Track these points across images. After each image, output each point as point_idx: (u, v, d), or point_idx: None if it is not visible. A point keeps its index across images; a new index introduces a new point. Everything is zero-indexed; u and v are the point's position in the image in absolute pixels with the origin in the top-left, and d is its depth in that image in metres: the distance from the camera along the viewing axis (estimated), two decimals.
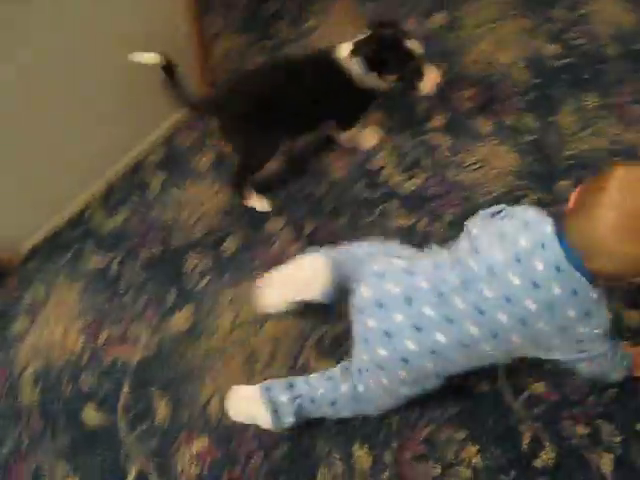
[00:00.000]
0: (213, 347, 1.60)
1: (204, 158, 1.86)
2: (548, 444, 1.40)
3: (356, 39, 1.63)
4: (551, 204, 1.68)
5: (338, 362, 1.41)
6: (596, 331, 1.21)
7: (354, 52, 1.61)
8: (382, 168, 1.80)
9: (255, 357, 1.57)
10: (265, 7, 2.16)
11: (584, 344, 1.23)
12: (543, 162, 1.82)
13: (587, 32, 2.05)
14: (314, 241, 1.70)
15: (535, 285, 1.15)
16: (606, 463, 1.38)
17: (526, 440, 1.43)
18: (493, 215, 1.28)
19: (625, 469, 1.37)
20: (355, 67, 1.64)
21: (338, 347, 1.54)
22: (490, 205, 1.37)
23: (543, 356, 1.27)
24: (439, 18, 2.08)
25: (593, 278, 1.13)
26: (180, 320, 1.62)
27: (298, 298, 1.37)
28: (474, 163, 1.82)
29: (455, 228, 1.65)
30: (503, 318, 1.18)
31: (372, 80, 1.66)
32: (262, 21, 2.07)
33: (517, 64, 1.98)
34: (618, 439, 1.39)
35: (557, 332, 1.19)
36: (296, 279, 1.37)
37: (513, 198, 1.75)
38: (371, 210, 1.73)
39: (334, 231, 1.73)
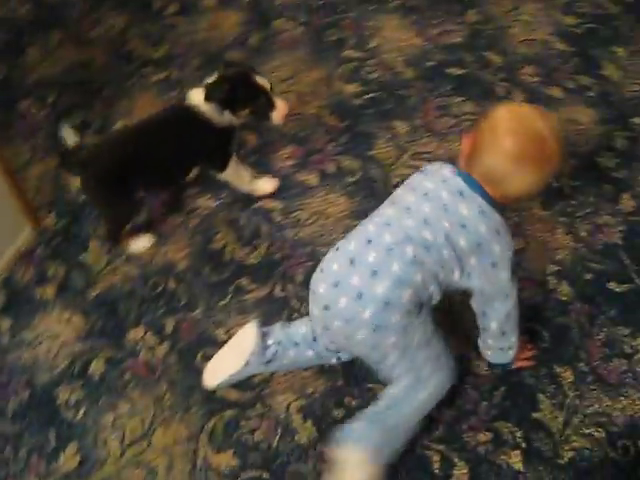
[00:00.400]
0: (108, 475, 1.71)
1: (47, 289, 1.95)
2: (457, 460, 1.63)
3: (206, 83, 1.88)
4: None
5: (238, 447, 1.66)
6: (508, 252, 1.52)
7: (208, 97, 1.85)
8: (224, 247, 1.91)
9: (153, 472, 1.69)
10: (71, 118, 2.32)
11: (498, 268, 1.52)
12: (372, 197, 2.11)
13: (380, 63, 2.33)
14: (178, 338, 1.84)
15: (446, 210, 1.48)
16: (516, 460, 1.64)
17: (436, 463, 1.65)
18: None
19: (534, 458, 1.64)
20: (209, 110, 1.87)
21: (232, 433, 1.71)
22: None
23: (463, 284, 1.54)
24: None
25: (495, 203, 1.49)
26: (68, 459, 1.74)
27: (236, 367, 1.65)
28: (309, 217, 2.01)
29: (309, 285, 1.81)
30: (428, 235, 1.46)
31: (227, 118, 1.90)
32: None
33: (323, 112, 2.18)
34: (519, 434, 1.67)
35: (475, 248, 1.48)
36: (229, 348, 1.67)
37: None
38: (224, 291, 1.89)
39: (195, 322, 1.91)
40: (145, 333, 1.86)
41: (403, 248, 1.44)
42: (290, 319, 1.86)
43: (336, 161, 2.17)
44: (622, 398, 1.72)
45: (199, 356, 1.82)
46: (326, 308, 1.48)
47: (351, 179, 2.13)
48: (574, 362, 1.79)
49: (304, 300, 1.86)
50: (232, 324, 1.87)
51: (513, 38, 2.55)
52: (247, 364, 1.65)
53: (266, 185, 2.12)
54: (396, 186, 1.92)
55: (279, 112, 1.92)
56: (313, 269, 1.77)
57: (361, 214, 2.01)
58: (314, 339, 1.66)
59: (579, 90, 2.37)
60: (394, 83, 2.33)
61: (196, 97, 1.88)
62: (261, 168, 2.15)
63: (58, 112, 2.23)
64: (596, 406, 1.71)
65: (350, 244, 1.51)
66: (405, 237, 1.46)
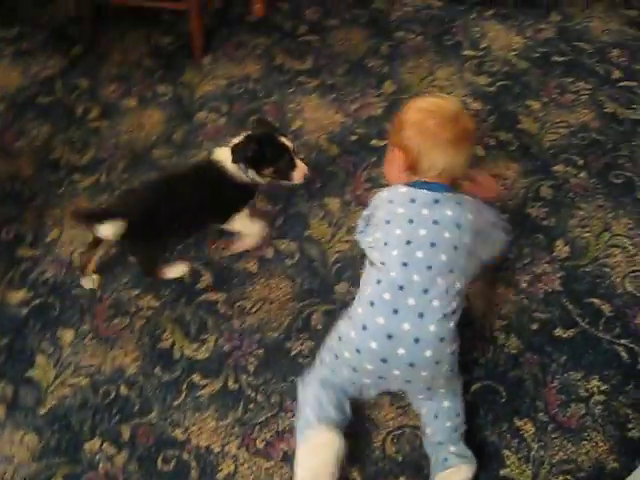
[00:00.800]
0: None
1: None
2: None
3: (233, 143, 2.00)
4: (337, 310, 2.01)
5: None
6: (491, 209, 1.80)
7: (235, 158, 1.98)
8: (173, 345, 1.91)
9: None
10: (3, 234, 2.33)
11: (492, 232, 1.77)
12: (314, 276, 2.13)
13: (305, 144, 2.56)
14: (137, 444, 1.84)
15: (437, 223, 1.64)
16: None
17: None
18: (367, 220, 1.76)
19: None
20: (234, 167, 1.99)
21: None
22: (285, 339, 1.90)
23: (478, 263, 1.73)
24: None
25: (452, 187, 1.69)
26: None
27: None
28: (254, 305, 2.02)
29: (262, 372, 1.95)
30: (443, 257, 1.64)
31: (251, 176, 2.03)
32: (3, 252, 2.16)
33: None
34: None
35: (476, 236, 1.67)
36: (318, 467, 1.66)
37: (302, 320, 2.07)
38: (178, 390, 1.90)
39: (151, 426, 1.90)
40: (102, 444, 1.83)
41: (434, 281, 1.59)
42: (247, 409, 1.85)
43: (273, 245, 2.17)
44: (585, 442, 1.75)
45: (159, 460, 1.79)
46: (384, 361, 1.59)
47: (290, 261, 2.14)
48: (533, 413, 1.81)
49: (258, 389, 1.92)
50: (189, 423, 1.85)
51: None
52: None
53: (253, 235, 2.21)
54: (336, 262, 1.96)
55: (299, 172, 2.04)
56: (264, 357, 1.80)
57: (305, 295, 2.02)
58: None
59: (500, 146, 2.45)
60: (321, 161, 2.38)
61: (222, 155, 2.02)
62: (200, 261, 2.13)
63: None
64: (561, 454, 1.74)
65: (385, 294, 1.59)
66: (428, 269, 1.59)
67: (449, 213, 1.63)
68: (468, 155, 1.73)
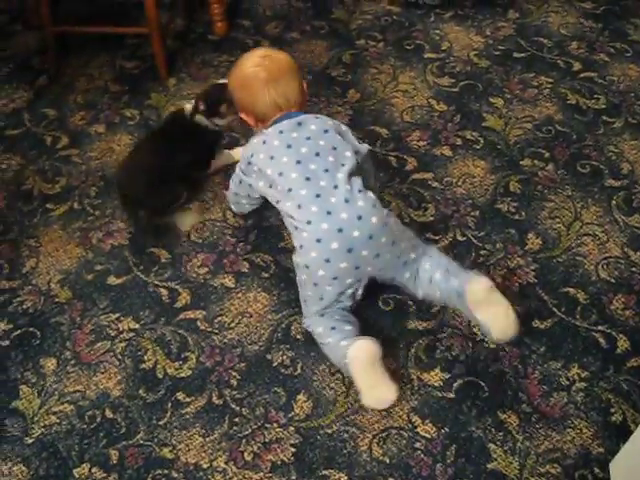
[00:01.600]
0: None
1: None
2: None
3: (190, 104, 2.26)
4: None
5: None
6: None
7: (192, 114, 2.26)
8: (155, 365, 1.91)
9: None
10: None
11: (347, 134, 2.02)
12: (291, 287, 2.15)
13: None
14: (125, 467, 1.86)
15: (308, 138, 1.96)
16: None
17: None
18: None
19: None
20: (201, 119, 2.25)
21: None
22: (266, 351, 2.00)
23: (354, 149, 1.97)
24: None
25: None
26: None
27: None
28: (233, 319, 2.03)
29: (245, 385, 1.98)
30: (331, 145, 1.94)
31: (217, 122, 2.29)
32: None
33: (228, 214, 2.23)
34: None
35: (342, 134, 2.00)
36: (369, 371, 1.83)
37: (282, 331, 2.09)
38: (163, 409, 1.90)
39: (139, 447, 1.91)
40: (90, 469, 1.84)
41: (336, 177, 1.86)
42: (232, 423, 1.86)
43: (248, 259, 2.19)
44: (569, 430, 1.78)
45: None
46: (350, 250, 1.82)
47: (266, 274, 2.15)
48: (516, 405, 1.83)
49: (243, 402, 1.94)
50: (176, 441, 1.86)
51: (396, 108, 2.65)
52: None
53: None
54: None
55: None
56: (246, 370, 1.82)
57: (283, 306, 2.04)
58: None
59: (467, 145, 2.48)
60: None
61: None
62: (176, 281, 2.14)
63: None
64: (546, 443, 1.76)
65: (312, 208, 1.83)
66: (326, 171, 1.87)
67: (313, 127, 1.90)
68: (295, 80, 1.99)
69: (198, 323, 2.08)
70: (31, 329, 2.13)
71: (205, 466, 1.82)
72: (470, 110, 2.64)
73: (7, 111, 2.82)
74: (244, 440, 1.86)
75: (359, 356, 1.77)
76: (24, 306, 2.18)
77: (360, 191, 1.82)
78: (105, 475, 1.83)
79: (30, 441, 1.91)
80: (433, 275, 1.91)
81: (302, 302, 1.95)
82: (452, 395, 1.90)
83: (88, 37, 3.03)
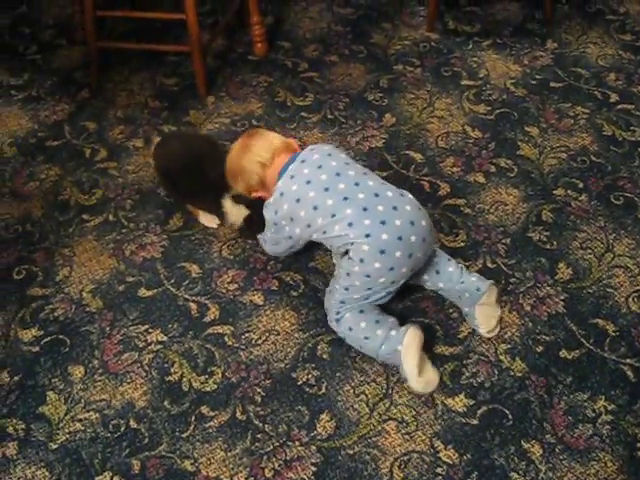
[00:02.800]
0: None
1: (8, 447, 1.97)
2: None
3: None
4: (342, 339, 2.08)
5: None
6: None
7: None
8: (181, 378, 1.92)
9: None
10: (15, 274, 2.36)
11: None
12: (319, 307, 2.16)
13: None
14: (146, 477, 1.87)
15: (319, 167, 2.00)
16: None
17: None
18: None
19: None
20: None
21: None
22: (291, 369, 1.99)
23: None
24: None
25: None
26: None
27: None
28: (261, 336, 2.04)
29: (269, 402, 1.98)
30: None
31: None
32: (14, 292, 2.21)
33: None
34: None
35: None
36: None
37: (308, 350, 2.08)
38: (186, 422, 1.92)
39: (161, 458, 1.92)
40: (112, 478, 1.85)
41: (368, 186, 1.93)
42: (255, 439, 1.86)
43: (278, 277, 2.19)
44: (594, 463, 1.76)
45: None
46: (410, 256, 1.88)
47: (295, 293, 2.16)
48: (540, 435, 1.81)
49: (266, 419, 1.94)
50: (198, 454, 1.86)
51: (431, 134, 2.65)
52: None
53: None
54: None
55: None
56: (271, 387, 1.83)
57: (310, 325, 2.05)
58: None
59: (500, 173, 2.48)
60: None
61: None
62: (206, 296, 2.16)
63: (0, 269, 2.25)
64: (570, 475, 1.75)
65: (365, 221, 1.86)
66: (356, 185, 1.93)
67: (317, 156, 1.96)
68: (262, 139, 2.08)
69: (226, 338, 2.09)
70: (61, 336, 2.15)
71: None
72: (505, 138, 2.63)
73: (49, 122, 2.87)
74: (265, 457, 1.85)
75: (413, 343, 1.85)
76: (55, 314, 2.21)
77: (402, 195, 1.91)
78: None
79: (54, 447, 1.92)
80: (454, 270, 2.04)
81: (336, 303, 1.98)
82: (476, 422, 1.88)
83: (130, 53, 3.08)
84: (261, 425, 1.91)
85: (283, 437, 1.88)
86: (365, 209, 1.83)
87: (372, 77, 2.95)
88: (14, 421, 1.98)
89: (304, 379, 1.99)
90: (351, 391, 1.96)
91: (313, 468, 1.84)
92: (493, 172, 2.51)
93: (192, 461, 1.86)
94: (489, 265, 2.23)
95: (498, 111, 2.75)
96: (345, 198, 1.85)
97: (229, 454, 1.87)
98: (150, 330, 2.14)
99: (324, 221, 1.86)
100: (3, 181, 2.64)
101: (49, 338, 2.15)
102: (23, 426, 1.97)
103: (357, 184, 1.88)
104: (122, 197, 2.52)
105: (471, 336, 2.05)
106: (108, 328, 2.16)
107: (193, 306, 2.19)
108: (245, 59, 3.08)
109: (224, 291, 2.21)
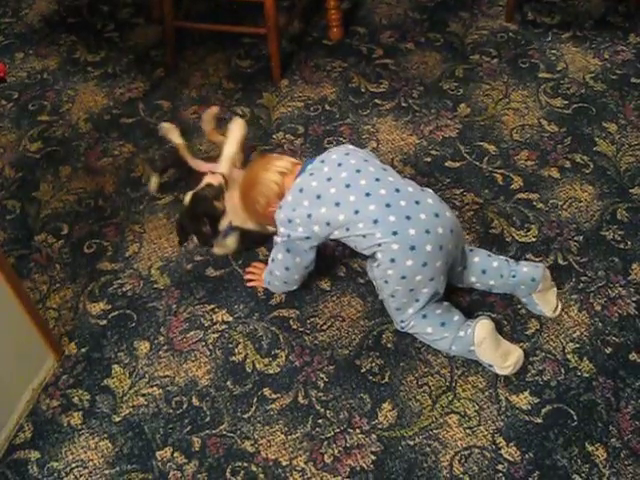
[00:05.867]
0: None
1: (73, 417, 2.00)
2: None
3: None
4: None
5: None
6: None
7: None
8: (245, 359, 1.93)
9: None
10: (85, 248, 2.40)
11: None
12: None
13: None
14: (206, 455, 1.90)
15: (339, 165, 1.99)
16: None
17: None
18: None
19: None
20: None
21: None
22: (355, 356, 1.99)
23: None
24: None
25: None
26: None
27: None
28: (326, 322, 2.06)
29: (332, 388, 1.97)
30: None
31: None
32: (84, 265, 2.24)
33: None
34: None
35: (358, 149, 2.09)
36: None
37: (373, 338, 2.09)
38: (248, 403, 1.92)
39: (221, 437, 1.95)
40: (172, 453, 1.86)
41: (388, 181, 1.92)
42: (315, 424, 1.87)
43: (345, 264, 2.19)
44: None
45: (228, 471, 1.81)
46: (441, 248, 1.87)
47: (362, 280, 2.15)
48: (605, 439, 1.78)
49: (328, 405, 1.94)
50: (258, 435, 1.87)
51: (505, 126, 2.61)
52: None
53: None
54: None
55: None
56: (334, 373, 1.83)
57: (376, 313, 2.04)
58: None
59: (576, 169, 2.43)
60: None
61: None
62: None
63: (72, 243, 2.28)
64: None
65: (390, 218, 1.85)
66: (377, 180, 1.92)
67: (335, 156, 1.95)
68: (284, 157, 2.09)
69: (291, 322, 2.10)
70: (128, 311, 2.18)
71: (284, 463, 1.83)
72: (582, 133, 2.58)
73: (124, 100, 2.91)
74: (325, 442, 1.86)
75: (485, 337, 1.87)
76: (124, 289, 2.24)
77: (423, 190, 1.91)
78: (186, 461, 1.86)
79: (117, 419, 1.96)
80: (500, 264, 2.03)
81: (394, 311, 1.95)
82: (539, 420, 1.86)
83: (206, 34, 3.09)
84: (322, 410, 1.91)
85: (344, 424, 1.88)
86: (388, 205, 1.82)
87: (448, 66, 2.91)
88: (80, 392, 2.02)
89: (367, 367, 1.99)
90: (414, 382, 1.95)
91: (373, 457, 1.83)
92: (568, 167, 2.46)
93: (252, 442, 1.87)
94: (560, 262, 2.19)
95: (575, 105, 2.69)
96: (367, 194, 1.83)
97: (289, 437, 1.87)
98: (216, 310, 2.16)
99: (347, 218, 1.83)
100: (78, 156, 2.68)
101: (117, 312, 2.18)
102: (88, 397, 2.00)
103: (378, 179, 1.86)
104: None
105: (539, 333, 2.02)
106: (175, 305, 2.18)
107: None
108: (320, 43, 3.07)
109: None
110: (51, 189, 2.55)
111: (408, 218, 1.81)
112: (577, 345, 1.99)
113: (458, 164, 2.48)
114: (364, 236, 1.83)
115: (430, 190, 1.95)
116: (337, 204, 1.84)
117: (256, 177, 2.02)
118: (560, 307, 2.07)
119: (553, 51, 2.94)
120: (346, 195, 1.84)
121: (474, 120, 2.66)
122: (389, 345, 2.02)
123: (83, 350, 2.10)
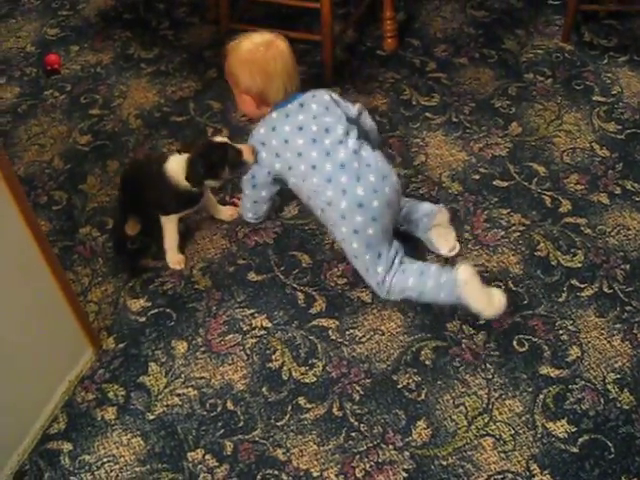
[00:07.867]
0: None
1: (108, 412, 2.01)
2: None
3: (185, 167, 2.13)
4: (447, 347, 2.09)
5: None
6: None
7: (194, 183, 2.15)
8: (282, 366, 1.93)
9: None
10: (129, 243, 2.44)
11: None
12: (427, 312, 2.17)
13: (427, 179, 2.59)
14: (238, 460, 1.90)
15: (314, 117, 2.10)
16: None
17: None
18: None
19: None
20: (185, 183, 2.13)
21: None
22: (392, 371, 1.97)
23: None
24: None
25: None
26: None
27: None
28: (365, 334, 2.03)
29: (367, 401, 1.97)
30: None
31: (211, 185, 2.25)
32: (127, 262, 2.27)
33: None
34: None
35: (340, 102, 2.19)
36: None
37: (411, 354, 2.08)
38: (282, 410, 1.91)
39: (254, 443, 1.95)
40: (204, 455, 1.87)
41: (350, 142, 2.05)
42: (349, 437, 1.87)
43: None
44: None
45: (258, 478, 1.81)
46: (388, 205, 2.05)
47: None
48: None
49: (362, 418, 1.94)
50: (291, 444, 1.87)
51: (556, 148, 2.58)
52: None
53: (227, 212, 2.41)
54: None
55: (247, 154, 2.12)
56: (370, 387, 1.82)
57: (416, 329, 2.03)
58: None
59: (626, 195, 2.40)
60: (441, 198, 2.38)
61: (175, 167, 2.16)
62: (314, 287, 2.20)
63: (116, 237, 2.30)
64: None
65: (342, 179, 2.02)
66: (340, 142, 2.04)
67: (314, 106, 2.05)
68: (295, 65, 2.11)
69: (330, 332, 2.10)
70: (168, 310, 2.20)
71: (315, 474, 1.83)
72: (634, 160, 2.55)
73: (175, 98, 2.93)
74: (358, 456, 1.85)
75: (469, 279, 1.96)
76: (165, 287, 2.26)
77: (374, 151, 2.04)
78: (217, 464, 1.86)
79: (151, 417, 1.97)
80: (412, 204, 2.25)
81: (366, 273, 2.10)
82: (576, 450, 1.83)
83: None
84: (357, 424, 1.90)
85: (377, 438, 1.88)
86: (342, 166, 1.97)
87: (501, 83, 2.89)
88: (115, 387, 2.03)
89: (404, 383, 1.98)
90: (451, 401, 1.94)
91: (404, 474, 1.82)
92: (618, 194, 2.43)
93: (284, 450, 1.87)
94: (605, 290, 2.17)
95: (629, 131, 2.66)
96: (327, 153, 1.98)
97: (321, 448, 1.87)
98: (256, 315, 2.16)
99: (304, 169, 2.01)
100: (126, 151, 2.70)
101: (156, 310, 2.20)
102: (123, 393, 2.02)
103: (340, 142, 1.99)
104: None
105: (579, 360, 2.00)
106: (215, 307, 2.19)
107: (300, 296, 2.20)
108: (373, 53, 3.07)
109: (332, 284, 2.21)
110: (98, 183, 2.58)
111: (358, 179, 1.97)
112: (618, 375, 1.96)
113: (506, 183, 2.46)
114: (315, 191, 2.01)
115: (380, 153, 2.11)
116: (299, 154, 2.01)
117: (256, 72, 2.10)
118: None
119: (608, 74, 2.91)
120: (310, 149, 2.00)
121: (525, 140, 2.64)
122: (427, 362, 2.01)
123: (121, 345, 2.11)
